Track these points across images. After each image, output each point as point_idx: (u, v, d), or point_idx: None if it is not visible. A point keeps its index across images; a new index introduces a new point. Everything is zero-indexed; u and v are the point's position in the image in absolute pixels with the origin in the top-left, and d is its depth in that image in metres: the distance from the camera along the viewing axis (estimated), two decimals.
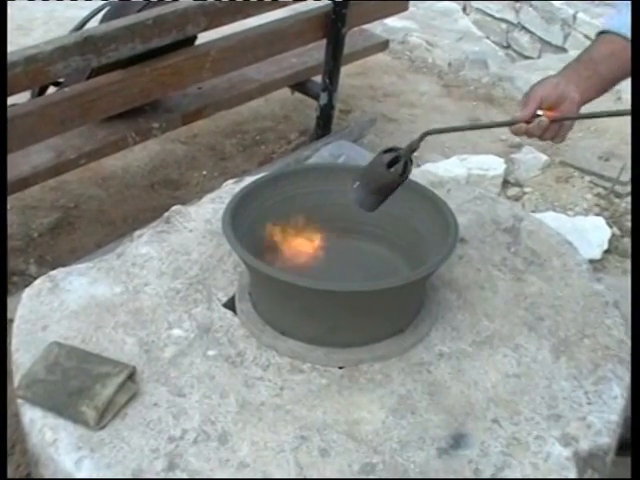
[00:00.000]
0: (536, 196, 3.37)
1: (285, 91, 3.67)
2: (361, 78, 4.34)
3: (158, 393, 1.38)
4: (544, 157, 3.57)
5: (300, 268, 1.58)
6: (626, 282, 1.84)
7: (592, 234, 3.06)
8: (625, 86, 1.60)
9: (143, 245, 1.75)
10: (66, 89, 2.59)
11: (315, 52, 3.38)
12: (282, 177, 1.67)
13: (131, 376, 1.39)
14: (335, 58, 3.22)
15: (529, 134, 1.51)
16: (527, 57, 5.28)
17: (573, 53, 4.72)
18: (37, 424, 1.33)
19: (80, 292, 1.61)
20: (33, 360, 1.41)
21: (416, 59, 4.71)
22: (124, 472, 1.24)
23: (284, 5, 3.07)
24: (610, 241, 3.06)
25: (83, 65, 2.35)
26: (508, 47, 5.48)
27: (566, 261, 1.75)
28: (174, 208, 1.88)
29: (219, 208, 1.73)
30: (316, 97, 3.40)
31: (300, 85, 3.55)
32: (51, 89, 2.82)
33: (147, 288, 1.63)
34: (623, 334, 1.55)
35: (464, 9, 5.65)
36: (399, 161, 1.42)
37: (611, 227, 3.14)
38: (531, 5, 5.26)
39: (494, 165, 3.42)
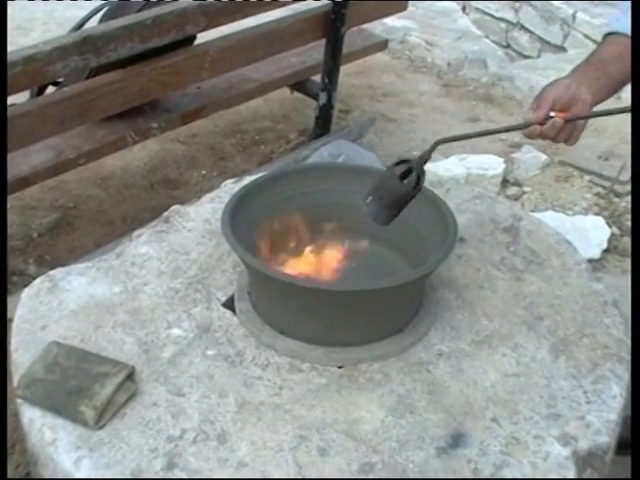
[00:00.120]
0: (535, 195, 3.37)
1: (284, 91, 3.67)
2: (360, 78, 4.34)
3: (157, 393, 1.38)
4: (543, 156, 3.57)
5: (300, 268, 1.58)
6: (625, 281, 1.84)
7: (591, 233, 3.06)
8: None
9: (142, 245, 1.75)
10: (65, 89, 2.59)
11: (314, 52, 3.38)
12: (281, 177, 1.67)
13: (130, 376, 1.39)
14: (334, 58, 3.22)
15: (543, 136, 1.50)
16: (526, 56, 5.28)
17: (573, 52, 4.73)
18: (36, 424, 1.33)
19: (79, 292, 1.61)
20: (32, 360, 1.41)
21: (415, 59, 4.72)
22: (123, 472, 1.24)
23: (283, 5, 3.07)
24: (609, 240, 3.07)
25: (82, 65, 2.35)
26: (507, 46, 5.48)
27: (565, 260, 1.75)
28: (173, 208, 1.88)
29: (218, 208, 1.73)
30: (315, 97, 3.40)
31: (299, 85, 3.55)
32: (50, 89, 2.82)
33: (146, 288, 1.63)
34: (622, 333, 1.55)
35: (463, 9, 5.65)
36: (411, 172, 1.40)
37: (610, 226, 3.14)
38: (530, 4, 5.25)
39: (493, 165, 3.42)
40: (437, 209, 1.55)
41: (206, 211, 1.86)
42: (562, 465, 1.28)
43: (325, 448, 1.29)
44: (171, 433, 1.31)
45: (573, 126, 1.50)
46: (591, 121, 3.84)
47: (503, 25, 5.51)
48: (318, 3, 3.16)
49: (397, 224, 1.61)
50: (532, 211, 3.11)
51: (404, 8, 3.70)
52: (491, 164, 3.42)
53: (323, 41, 3.19)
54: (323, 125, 3.41)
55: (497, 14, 5.52)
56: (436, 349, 1.50)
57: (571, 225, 3.04)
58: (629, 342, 1.52)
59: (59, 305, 1.58)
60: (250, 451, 1.28)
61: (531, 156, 3.57)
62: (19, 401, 1.37)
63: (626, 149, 3.46)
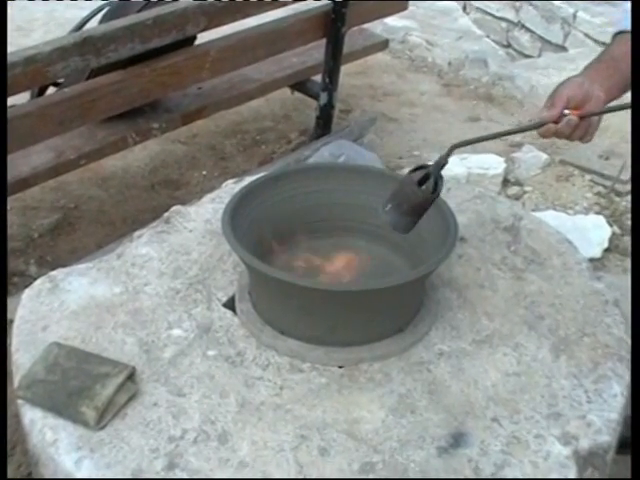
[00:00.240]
0: (536, 195, 3.37)
1: (285, 91, 3.67)
2: (361, 77, 4.34)
3: (158, 393, 1.38)
4: (544, 156, 3.57)
5: (300, 268, 1.58)
6: (626, 281, 1.84)
7: (592, 233, 3.06)
8: None
9: (143, 245, 1.76)
10: (65, 90, 2.59)
11: (315, 52, 3.38)
12: (282, 177, 1.67)
13: (131, 376, 1.39)
14: (335, 58, 3.22)
15: (558, 135, 1.49)
16: (527, 56, 5.28)
17: (573, 52, 4.73)
18: (37, 424, 1.33)
19: (80, 292, 1.61)
20: (33, 360, 1.42)
21: (416, 58, 4.72)
22: (124, 472, 1.24)
23: (284, 5, 3.07)
24: (610, 240, 3.06)
25: (82, 65, 2.35)
26: (508, 46, 5.48)
27: (566, 260, 1.75)
28: (174, 208, 1.88)
29: (219, 208, 1.73)
30: (316, 97, 3.40)
31: (300, 85, 3.55)
32: (51, 90, 2.82)
33: (147, 288, 1.63)
34: (623, 332, 1.55)
35: (464, 8, 5.65)
36: (429, 178, 1.40)
37: (611, 226, 3.14)
38: (531, 4, 5.25)
39: (494, 164, 3.42)
40: (437, 209, 1.55)
41: (207, 211, 1.86)
42: (563, 464, 1.28)
43: (326, 448, 1.29)
44: (172, 433, 1.31)
45: (588, 123, 1.50)
46: None
47: (504, 24, 5.51)
48: (319, 3, 3.16)
49: None
50: (533, 210, 3.11)
51: (404, 8, 3.70)
52: (492, 163, 3.42)
53: (324, 41, 3.19)
54: (324, 125, 3.41)
55: (498, 13, 5.52)
56: (437, 349, 1.50)
57: (572, 224, 3.04)
58: (630, 341, 1.52)
59: (60, 306, 1.58)
60: (251, 451, 1.28)
61: (532, 155, 3.57)
62: (20, 402, 1.37)
63: (627, 148, 3.45)
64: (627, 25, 1.63)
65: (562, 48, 5.06)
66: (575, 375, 1.44)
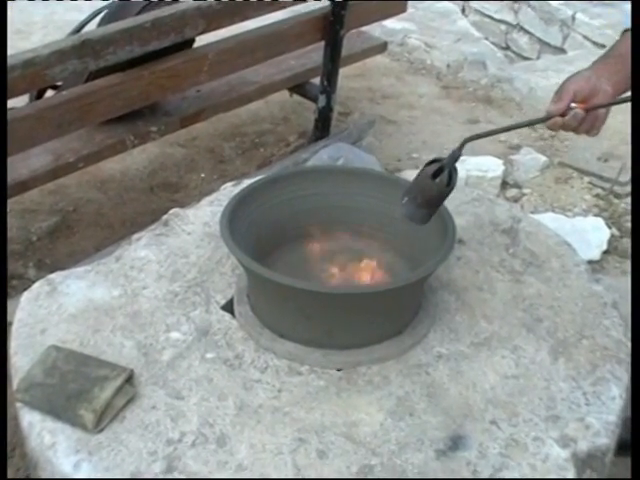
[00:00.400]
0: (535, 197, 3.37)
1: (284, 93, 3.67)
2: (360, 80, 4.34)
3: (156, 396, 1.38)
4: (543, 158, 3.57)
5: (298, 270, 1.58)
6: (625, 283, 1.85)
7: (591, 235, 3.06)
8: None
9: (141, 248, 1.76)
10: (64, 92, 2.59)
11: (313, 54, 3.37)
12: (280, 180, 1.67)
13: (129, 379, 1.39)
14: (333, 60, 3.22)
15: (565, 128, 1.51)
16: (526, 58, 5.28)
17: (572, 54, 4.73)
18: (36, 427, 1.33)
19: (78, 295, 1.61)
20: (31, 363, 1.42)
21: (415, 61, 4.71)
22: (122, 475, 1.24)
23: (282, 7, 3.07)
24: (609, 242, 3.06)
25: (81, 68, 2.35)
26: (507, 48, 5.48)
27: (564, 262, 1.75)
28: (172, 211, 1.88)
29: (217, 211, 1.73)
30: (315, 99, 3.40)
31: (299, 87, 3.55)
32: (49, 92, 2.82)
33: (145, 291, 1.63)
34: (622, 335, 1.55)
35: (463, 10, 5.65)
36: (443, 171, 1.42)
37: (610, 228, 3.13)
38: (530, 6, 5.25)
39: (493, 166, 3.42)
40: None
41: (205, 214, 1.86)
42: (561, 467, 1.28)
43: (324, 451, 1.29)
44: (170, 436, 1.31)
45: (594, 117, 1.52)
46: None
47: (502, 27, 5.51)
48: (317, 5, 3.16)
49: (395, 226, 1.62)
50: (532, 213, 3.11)
51: (403, 10, 3.69)
52: (490, 166, 3.42)
53: (322, 43, 3.19)
54: (322, 128, 3.41)
55: (496, 16, 5.52)
56: (435, 351, 1.50)
57: (571, 227, 3.04)
58: (628, 344, 1.52)
59: (58, 309, 1.58)
60: (249, 454, 1.28)
61: (530, 158, 3.57)
62: (18, 405, 1.37)
63: (625, 150, 3.46)
64: (627, 16, 1.64)
65: (561, 50, 5.06)
66: (573, 377, 1.44)
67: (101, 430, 1.31)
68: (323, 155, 3.15)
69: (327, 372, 1.44)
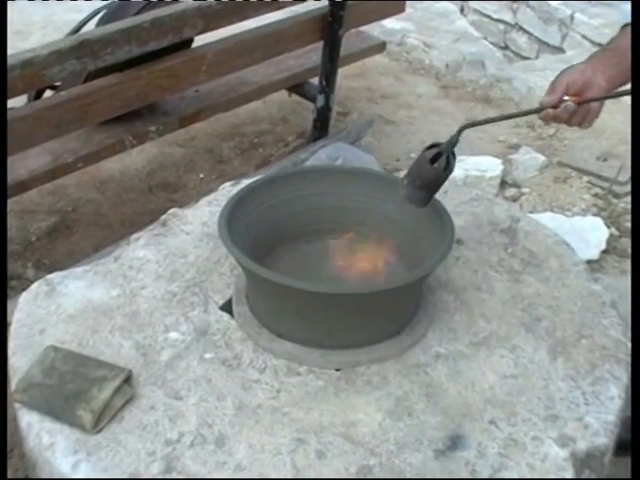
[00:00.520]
0: (534, 197, 3.37)
1: (282, 93, 3.67)
2: (358, 80, 4.34)
3: (155, 396, 1.38)
4: (542, 158, 3.57)
5: (297, 271, 1.58)
6: (624, 282, 1.85)
7: (590, 234, 3.06)
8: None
9: (140, 248, 1.75)
10: (63, 93, 2.59)
11: (312, 54, 3.37)
12: (278, 180, 1.67)
13: (128, 379, 1.39)
14: (332, 60, 3.22)
15: (557, 119, 1.53)
16: (525, 58, 5.27)
17: (571, 53, 4.73)
18: (34, 428, 1.33)
19: (77, 296, 1.61)
20: (30, 364, 1.41)
21: (413, 60, 4.71)
22: (121, 475, 1.24)
23: (281, 7, 3.07)
24: (608, 241, 3.06)
25: (79, 69, 2.35)
26: (506, 48, 5.47)
27: (563, 262, 1.75)
28: (171, 211, 1.88)
29: (216, 211, 1.73)
30: (313, 99, 3.40)
31: (297, 87, 3.55)
32: (48, 93, 2.82)
33: (144, 291, 1.63)
34: (620, 334, 1.55)
35: (462, 10, 5.64)
36: (441, 156, 1.46)
37: (609, 227, 3.13)
38: (528, 6, 5.25)
39: (491, 166, 3.42)
40: (434, 211, 1.55)
41: (204, 214, 1.86)
42: (560, 467, 1.28)
43: (323, 451, 1.29)
44: (169, 437, 1.31)
45: (586, 110, 1.53)
46: None
47: (501, 26, 5.50)
48: (316, 5, 3.16)
49: (394, 226, 1.62)
50: (530, 212, 3.11)
51: (402, 10, 3.70)
52: (489, 166, 3.42)
53: (321, 43, 3.19)
54: (321, 128, 3.41)
55: (495, 15, 5.52)
56: (434, 351, 1.50)
57: (570, 226, 3.04)
58: (628, 343, 1.52)
59: (57, 309, 1.58)
60: (248, 454, 1.28)
61: (529, 157, 3.57)
62: (17, 405, 1.37)
63: (624, 150, 3.47)
64: (627, 17, 1.64)
65: (559, 50, 5.05)
66: (572, 377, 1.44)
67: (99, 430, 1.31)
68: (322, 155, 3.15)
69: (326, 372, 1.44)
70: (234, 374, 1.43)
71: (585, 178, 3.48)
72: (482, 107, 4.19)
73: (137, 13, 2.61)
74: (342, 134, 3.46)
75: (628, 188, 3.29)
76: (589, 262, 2.81)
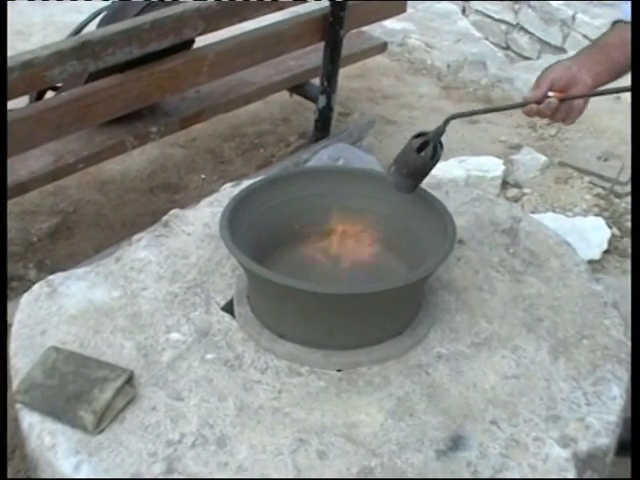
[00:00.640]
0: (535, 197, 3.37)
1: (284, 94, 3.67)
2: (360, 80, 4.34)
3: (156, 397, 1.38)
4: (543, 158, 3.57)
5: (298, 271, 1.58)
6: (626, 282, 1.84)
7: (592, 234, 3.06)
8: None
9: (141, 249, 1.75)
10: (64, 94, 2.60)
11: (313, 55, 3.38)
12: (279, 180, 1.67)
13: (129, 380, 1.39)
14: (333, 61, 3.22)
15: (540, 115, 1.54)
16: (526, 58, 5.28)
17: (572, 53, 4.73)
18: (35, 429, 1.33)
19: (78, 297, 1.61)
20: (31, 365, 1.41)
21: (415, 61, 4.72)
22: (122, 476, 1.24)
23: (282, 8, 3.07)
24: (609, 241, 3.06)
25: (80, 70, 2.35)
26: (507, 48, 5.48)
27: (565, 262, 1.74)
28: (172, 212, 1.88)
29: (217, 212, 1.72)
30: (314, 100, 3.40)
31: (298, 88, 3.56)
32: (49, 94, 2.82)
33: (145, 292, 1.63)
34: (622, 334, 1.54)
35: (463, 10, 5.65)
36: (428, 145, 1.48)
37: (610, 227, 3.13)
38: (530, 6, 5.25)
39: (493, 166, 3.42)
40: (435, 211, 1.55)
41: (205, 215, 1.86)
42: (562, 467, 1.28)
43: (324, 451, 1.29)
44: (170, 437, 1.30)
45: (570, 107, 1.53)
46: (590, 122, 3.84)
47: (503, 27, 5.51)
48: (317, 6, 3.16)
49: (395, 226, 1.62)
50: (532, 213, 3.10)
51: (403, 10, 3.70)
52: (491, 166, 3.42)
53: (322, 44, 3.19)
54: (322, 128, 3.41)
55: (497, 16, 5.52)
56: (435, 351, 1.50)
57: (571, 226, 3.04)
58: (629, 343, 1.51)
59: (58, 310, 1.58)
60: (249, 455, 1.28)
61: (531, 157, 3.57)
62: (18, 406, 1.37)
63: (626, 150, 3.46)
64: (626, 15, 1.64)
65: (561, 50, 5.05)
66: (574, 377, 1.44)
67: (101, 431, 1.31)
68: (323, 155, 3.16)
69: (327, 373, 1.44)
70: (235, 375, 1.43)
71: (586, 178, 3.48)
72: (483, 107, 4.18)
73: (138, 14, 2.61)
74: (343, 134, 3.46)
75: (629, 188, 3.29)
76: (590, 262, 2.81)
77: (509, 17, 5.46)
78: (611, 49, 1.60)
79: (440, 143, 1.50)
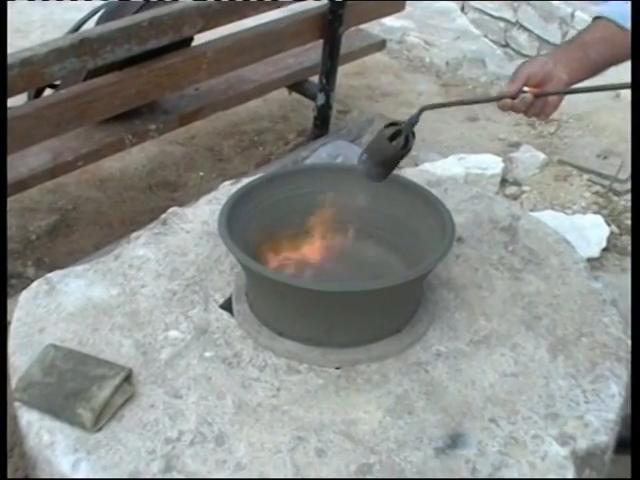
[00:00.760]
0: (534, 195, 3.37)
1: (283, 91, 3.67)
2: (359, 78, 4.34)
3: (155, 395, 1.38)
4: (542, 156, 3.56)
5: (297, 269, 1.58)
6: (625, 280, 1.84)
7: (591, 232, 3.06)
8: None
9: (140, 247, 1.75)
10: (62, 91, 2.59)
11: (312, 52, 3.38)
12: (278, 178, 1.67)
13: (128, 378, 1.39)
14: (332, 58, 3.22)
15: (514, 109, 1.54)
16: (525, 55, 5.26)
17: None
18: (34, 426, 1.33)
19: (77, 294, 1.61)
20: (30, 363, 1.41)
21: (414, 58, 4.71)
22: (121, 474, 1.24)
23: (281, 5, 3.07)
24: (609, 239, 3.06)
25: (79, 67, 2.35)
26: (506, 46, 5.47)
27: (564, 259, 1.74)
28: (171, 210, 1.87)
29: (216, 209, 1.72)
30: (313, 97, 3.40)
31: (297, 85, 3.55)
32: (48, 91, 2.82)
33: (144, 290, 1.63)
34: (621, 332, 1.54)
35: (462, 8, 5.64)
36: (401, 135, 1.47)
37: (610, 225, 3.13)
38: (529, 4, 5.25)
39: (492, 164, 3.41)
40: (434, 209, 1.55)
41: (204, 213, 1.86)
42: (561, 465, 1.28)
43: (323, 449, 1.29)
44: (169, 435, 1.30)
45: (543, 102, 1.53)
46: (589, 119, 3.83)
47: (502, 24, 5.50)
48: (316, 4, 3.16)
49: (394, 224, 1.62)
50: (531, 210, 3.10)
51: (402, 8, 3.70)
52: (490, 163, 3.41)
53: (321, 42, 3.19)
54: (321, 126, 3.41)
55: (496, 13, 5.52)
56: (434, 349, 1.50)
57: (570, 224, 3.04)
58: (628, 341, 1.51)
59: (57, 308, 1.57)
60: (248, 452, 1.28)
61: (530, 155, 3.56)
62: (17, 404, 1.37)
63: (625, 147, 3.46)
64: (607, 12, 1.63)
65: None
66: (573, 375, 1.44)
67: (99, 429, 1.31)
68: (322, 153, 3.15)
69: (326, 370, 1.44)
70: (234, 372, 1.43)
71: (585, 176, 3.48)
72: (482, 105, 4.18)
73: (137, 12, 2.61)
74: (342, 132, 3.46)
75: (628, 186, 3.29)
76: (589, 260, 2.80)
77: (508, 14, 5.46)
78: (588, 47, 1.59)
79: (412, 133, 1.49)
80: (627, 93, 1.51)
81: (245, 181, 1.78)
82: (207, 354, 1.47)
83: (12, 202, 3.03)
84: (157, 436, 1.30)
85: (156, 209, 2.90)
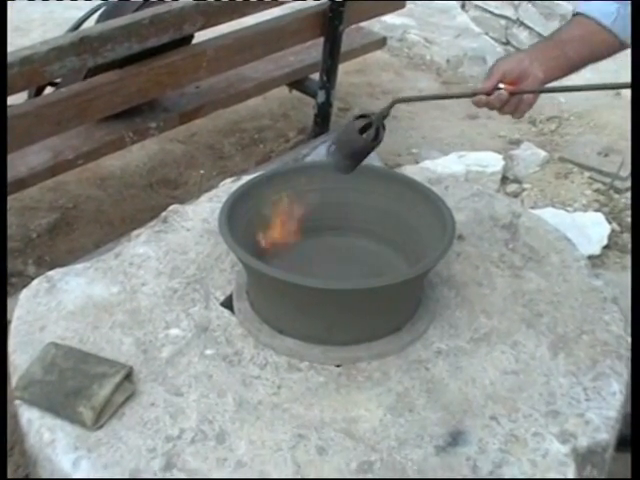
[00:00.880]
0: (535, 192, 3.37)
1: (283, 89, 3.67)
2: (359, 76, 4.34)
3: (155, 393, 1.38)
4: (543, 153, 3.56)
5: (297, 266, 1.58)
6: (625, 278, 1.84)
7: (591, 230, 3.06)
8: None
9: (141, 245, 1.75)
10: (63, 89, 2.59)
11: (313, 50, 3.37)
12: (278, 175, 1.67)
13: (128, 376, 1.39)
14: (333, 56, 3.21)
15: (489, 106, 1.53)
16: None
17: None
18: (35, 425, 1.33)
19: (77, 292, 1.61)
20: (30, 361, 1.41)
21: (414, 56, 4.71)
22: (122, 472, 1.24)
23: (281, 3, 3.07)
24: (609, 237, 3.06)
25: (79, 65, 2.34)
26: (507, 43, 5.46)
27: (564, 257, 1.74)
28: (171, 207, 1.87)
29: (216, 207, 1.72)
30: (314, 95, 3.39)
31: (298, 83, 3.55)
32: (48, 90, 2.82)
33: (144, 288, 1.63)
34: (622, 330, 1.54)
35: (463, 6, 5.63)
36: (371, 127, 1.45)
37: (610, 223, 3.13)
38: (530, 1, 5.24)
39: (493, 162, 3.41)
40: (435, 207, 1.55)
41: (204, 210, 1.86)
42: (562, 462, 1.28)
43: (324, 447, 1.29)
44: (169, 433, 1.30)
45: (518, 100, 1.53)
46: (590, 117, 3.83)
47: (502, 22, 5.49)
48: (316, 1, 3.16)
49: (395, 222, 1.62)
50: (532, 208, 3.10)
51: (403, 6, 3.69)
52: (490, 161, 3.41)
53: (321, 39, 3.18)
54: (322, 123, 3.40)
55: (497, 11, 5.50)
56: (435, 347, 1.50)
57: (571, 222, 3.04)
58: (628, 339, 1.51)
59: (57, 306, 1.57)
60: (249, 450, 1.28)
61: (530, 153, 3.56)
62: (17, 402, 1.37)
63: (625, 145, 3.46)
64: (586, 8, 1.61)
65: None
66: (573, 373, 1.44)
67: (100, 427, 1.31)
68: (323, 151, 3.15)
69: (326, 368, 1.44)
70: (235, 370, 1.43)
71: (586, 174, 3.48)
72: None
73: (136, 10, 2.61)
74: None
75: (629, 183, 3.28)
76: (590, 258, 2.80)
77: (509, 12, 5.45)
78: (566, 44, 1.58)
79: (383, 125, 1.47)
80: (627, 91, 1.51)
81: (246, 179, 1.78)
82: (208, 352, 1.47)
83: (12, 200, 3.03)
84: (158, 434, 1.30)
85: (157, 207, 2.90)
